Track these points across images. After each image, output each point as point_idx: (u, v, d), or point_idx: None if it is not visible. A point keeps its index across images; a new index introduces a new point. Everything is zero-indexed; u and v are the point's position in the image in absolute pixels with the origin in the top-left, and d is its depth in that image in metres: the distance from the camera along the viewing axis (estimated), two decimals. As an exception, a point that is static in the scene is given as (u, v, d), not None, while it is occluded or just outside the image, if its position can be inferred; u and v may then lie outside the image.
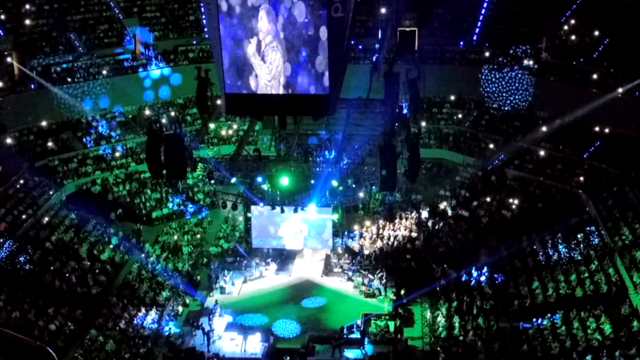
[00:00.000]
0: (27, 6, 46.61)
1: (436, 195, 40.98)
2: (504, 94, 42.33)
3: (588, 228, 33.75)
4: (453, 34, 47.10)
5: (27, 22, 46.18)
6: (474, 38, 47.41)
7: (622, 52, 41.29)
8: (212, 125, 44.40)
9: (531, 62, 42.70)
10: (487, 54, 45.83)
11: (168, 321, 31.24)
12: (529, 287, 31.11)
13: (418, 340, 30.00)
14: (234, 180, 29.11)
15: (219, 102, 29.36)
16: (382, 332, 30.24)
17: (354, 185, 30.49)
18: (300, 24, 19.12)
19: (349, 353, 29.07)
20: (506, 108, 42.59)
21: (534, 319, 28.85)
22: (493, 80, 42.54)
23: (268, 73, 20.11)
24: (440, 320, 30.40)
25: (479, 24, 47.64)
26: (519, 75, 41.79)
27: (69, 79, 44.65)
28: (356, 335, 29.76)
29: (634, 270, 28.80)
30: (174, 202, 40.97)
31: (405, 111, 27.84)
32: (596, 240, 32.63)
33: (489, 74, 42.63)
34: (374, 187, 36.63)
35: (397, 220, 38.11)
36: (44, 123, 43.66)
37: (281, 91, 20.42)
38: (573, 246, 32.83)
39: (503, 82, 42.37)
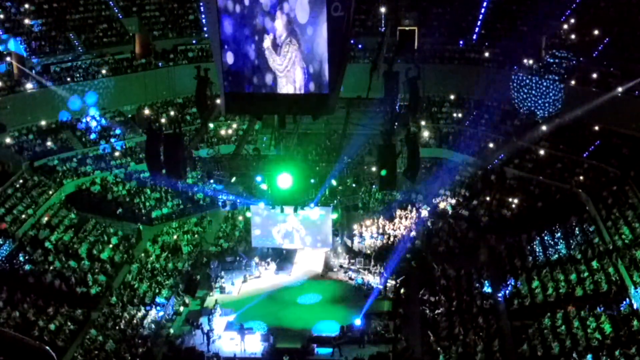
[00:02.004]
0: (27, 6, 46.61)
1: (436, 195, 40.95)
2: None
3: (588, 227, 33.71)
4: (453, 33, 47.10)
5: (27, 21, 46.16)
6: (474, 37, 47.38)
7: (622, 50, 41.29)
8: (211, 125, 44.34)
9: (531, 61, 42.75)
10: (486, 53, 45.81)
11: (167, 321, 31.19)
12: (529, 287, 31.10)
13: (417, 340, 29.93)
14: (233, 180, 29.01)
15: (218, 101, 29.27)
16: (381, 331, 30.18)
17: (354, 185, 30.42)
18: (300, 22, 19.08)
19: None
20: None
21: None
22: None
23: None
24: (442, 319, 30.34)
25: (479, 23, 47.63)
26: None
27: (69, 79, 44.65)
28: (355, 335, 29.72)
29: (634, 270, 28.78)
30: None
31: (404, 110, 27.77)
32: (596, 239, 32.61)
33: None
34: (373, 186, 36.58)
35: (397, 220, 38.06)
36: (43, 122, 43.65)
37: (284, 90, 20.38)
38: (573, 245, 32.80)
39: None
